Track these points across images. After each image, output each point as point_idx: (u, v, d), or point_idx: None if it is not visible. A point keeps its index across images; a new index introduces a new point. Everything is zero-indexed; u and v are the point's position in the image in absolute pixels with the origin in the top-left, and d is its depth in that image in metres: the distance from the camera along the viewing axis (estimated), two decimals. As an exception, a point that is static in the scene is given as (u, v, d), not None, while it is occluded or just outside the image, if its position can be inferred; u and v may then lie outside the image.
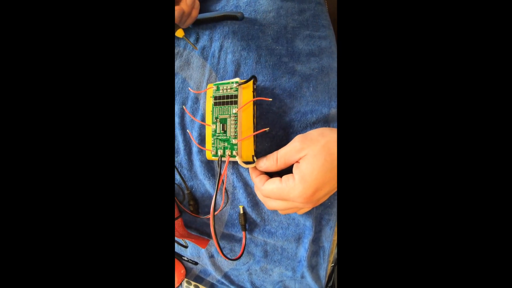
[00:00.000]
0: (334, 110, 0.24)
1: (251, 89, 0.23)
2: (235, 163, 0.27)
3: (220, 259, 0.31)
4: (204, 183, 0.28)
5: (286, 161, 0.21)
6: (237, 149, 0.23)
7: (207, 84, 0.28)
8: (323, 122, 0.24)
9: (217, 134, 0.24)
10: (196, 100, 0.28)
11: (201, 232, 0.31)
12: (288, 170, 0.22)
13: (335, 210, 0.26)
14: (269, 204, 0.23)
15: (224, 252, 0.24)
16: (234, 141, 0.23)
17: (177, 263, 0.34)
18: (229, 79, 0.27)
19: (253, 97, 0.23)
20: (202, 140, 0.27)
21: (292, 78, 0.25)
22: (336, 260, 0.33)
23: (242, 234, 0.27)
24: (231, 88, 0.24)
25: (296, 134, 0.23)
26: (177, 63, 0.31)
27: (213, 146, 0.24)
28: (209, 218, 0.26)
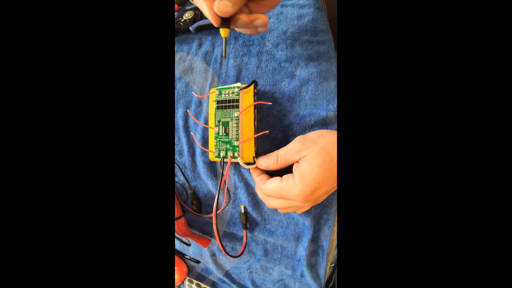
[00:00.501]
0: (332, 113, 0.25)
1: (252, 94, 0.24)
2: (236, 164, 0.28)
3: (222, 258, 0.32)
4: (207, 183, 0.29)
5: (286, 161, 0.22)
6: (238, 150, 0.24)
7: (209, 89, 0.29)
8: (321, 124, 0.25)
9: (219, 136, 0.25)
10: (200, 103, 0.30)
11: (204, 231, 0.32)
12: (288, 170, 0.23)
13: (333, 209, 0.27)
14: (270, 203, 0.24)
15: (225, 250, 0.25)
16: (235, 143, 0.24)
17: (179, 262, 0.35)
18: (231, 83, 0.28)
19: (254, 101, 0.24)
20: (205, 142, 0.28)
21: (291, 83, 0.26)
22: (336, 260, 0.34)
23: (243, 233, 0.28)
24: (233, 93, 0.25)
25: (295, 136, 0.24)
26: (181, 68, 0.32)
27: (215, 148, 0.25)
28: (211, 217, 0.27)
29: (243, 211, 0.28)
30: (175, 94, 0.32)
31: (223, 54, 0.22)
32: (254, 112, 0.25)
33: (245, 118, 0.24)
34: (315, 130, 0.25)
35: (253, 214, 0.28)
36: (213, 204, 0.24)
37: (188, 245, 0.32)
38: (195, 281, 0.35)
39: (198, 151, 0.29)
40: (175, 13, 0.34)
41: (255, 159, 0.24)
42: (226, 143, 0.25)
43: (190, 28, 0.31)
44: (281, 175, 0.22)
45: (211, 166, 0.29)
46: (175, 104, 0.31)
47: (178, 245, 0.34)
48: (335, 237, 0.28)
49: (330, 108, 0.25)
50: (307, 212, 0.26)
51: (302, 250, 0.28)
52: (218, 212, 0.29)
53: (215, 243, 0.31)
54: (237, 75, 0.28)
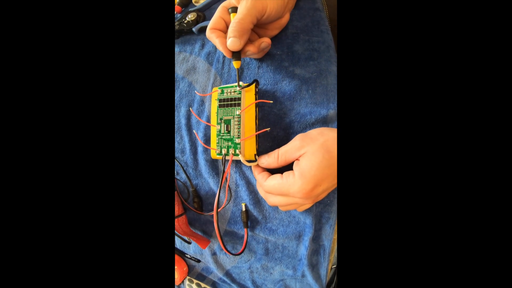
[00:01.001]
0: (332, 112, 0.25)
1: (254, 92, 0.25)
2: (238, 162, 0.28)
3: (222, 257, 0.32)
4: (208, 181, 0.29)
5: (287, 158, 0.22)
6: (240, 148, 0.24)
7: (212, 88, 0.30)
8: (322, 123, 0.25)
9: (221, 134, 0.25)
10: (202, 102, 0.30)
11: (204, 230, 0.32)
12: (289, 168, 0.23)
13: (334, 208, 0.27)
14: (270, 200, 0.24)
15: (226, 249, 0.25)
16: (237, 141, 0.24)
17: (180, 261, 0.35)
18: (233, 83, 0.28)
19: (255, 99, 0.25)
20: (207, 141, 0.29)
21: (292, 82, 0.27)
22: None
23: (244, 232, 0.28)
24: (234, 91, 0.25)
25: (296, 134, 0.24)
26: (184, 68, 0.32)
27: (217, 145, 0.26)
28: (212, 215, 0.27)
29: (244, 209, 0.28)
30: (178, 94, 0.32)
31: (237, 83, 0.25)
32: (256, 110, 0.25)
33: (246, 116, 0.25)
34: (316, 128, 0.25)
35: (254, 212, 0.28)
36: (214, 202, 0.24)
37: (189, 243, 0.32)
38: (195, 281, 0.35)
39: (200, 149, 0.29)
40: (178, 15, 0.35)
41: (256, 156, 0.24)
42: (228, 140, 0.25)
43: (193, 29, 0.32)
44: (282, 173, 0.23)
45: (213, 164, 0.29)
46: (178, 103, 0.32)
47: (178, 244, 0.34)
48: (336, 236, 0.28)
49: (330, 107, 0.25)
50: (308, 211, 0.26)
51: (303, 249, 0.28)
52: (219, 210, 0.29)
53: (216, 242, 0.31)
54: (239, 74, 0.29)
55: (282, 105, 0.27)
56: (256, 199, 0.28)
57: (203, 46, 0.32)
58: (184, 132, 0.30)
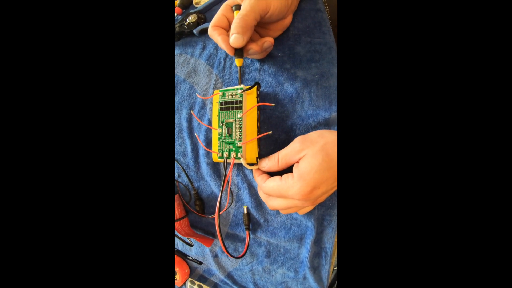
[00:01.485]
0: (334, 114, 0.25)
1: (255, 95, 0.25)
2: (240, 165, 0.28)
3: (224, 259, 0.32)
4: (210, 184, 0.29)
5: (287, 162, 0.22)
6: (241, 151, 0.24)
7: (213, 90, 0.30)
8: (324, 125, 0.25)
9: (223, 137, 0.25)
10: (203, 105, 0.30)
11: (206, 232, 0.32)
12: (289, 170, 0.23)
13: (336, 211, 0.27)
14: (270, 203, 0.24)
15: (228, 251, 0.25)
16: (239, 144, 0.24)
17: (182, 263, 0.35)
18: (234, 85, 0.28)
19: (257, 102, 0.25)
20: (208, 143, 0.29)
21: (294, 84, 0.27)
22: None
23: (245, 234, 0.28)
24: (236, 94, 0.25)
25: (298, 137, 0.24)
26: (185, 70, 0.32)
27: (219, 149, 0.26)
28: (214, 217, 0.27)
29: (246, 212, 0.28)
30: (180, 96, 0.32)
31: (239, 82, 0.25)
32: (257, 113, 0.25)
33: (248, 119, 0.25)
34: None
35: (256, 215, 0.28)
36: (216, 205, 0.24)
37: (191, 245, 0.32)
38: (197, 282, 0.35)
39: (201, 152, 0.29)
40: (179, 17, 0.35)
41: (258, 159, 0.24)
42: (229, 143, 0.25)
43: (194, 31, 0.32)
44: (282, 175, 0.23)
45: (215, 167, 0.29)
46: (180, 105, 0.32)
47: (180, 246, 0.35)
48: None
49: (332, 109, 0.25)
50: (310, 214, 0.26)
51: (305, 252, 0.28)
52: (221, 213, 0.29)
53: (218, 244, 0.31)
54: (240, 77, 0.29)
55: (284, 107, 0.26)
56: (258, 202, 0.28)
57: (204, 48, 0.32)
58: (185, 135, 0.30)
